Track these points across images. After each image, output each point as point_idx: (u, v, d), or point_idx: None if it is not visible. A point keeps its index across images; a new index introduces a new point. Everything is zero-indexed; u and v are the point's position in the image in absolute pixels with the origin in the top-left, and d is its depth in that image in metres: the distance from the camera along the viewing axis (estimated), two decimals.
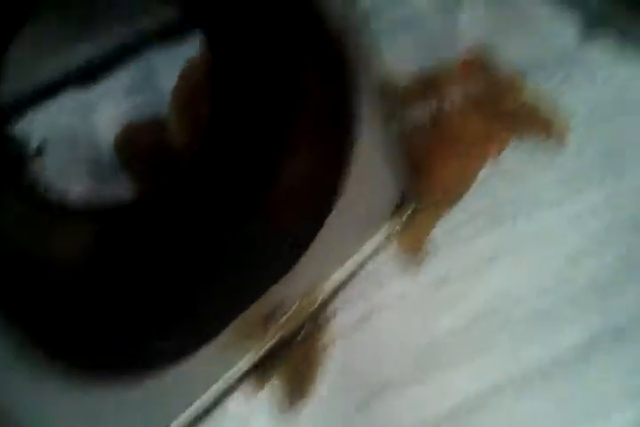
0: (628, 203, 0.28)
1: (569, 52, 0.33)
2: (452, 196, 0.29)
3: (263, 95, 0.27)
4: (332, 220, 0.26)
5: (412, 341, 0.26)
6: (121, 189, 0.36)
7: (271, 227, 0.27)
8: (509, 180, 0.29)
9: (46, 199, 0.29)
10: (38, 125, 0.41)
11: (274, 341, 0.27)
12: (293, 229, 0.27)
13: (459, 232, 0.28)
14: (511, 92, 0.33)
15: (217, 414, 0.26)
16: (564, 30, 0.34)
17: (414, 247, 0.28)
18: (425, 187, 0.30)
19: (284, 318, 0.27)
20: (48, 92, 0.42)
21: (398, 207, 0.29)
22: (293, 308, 0.27)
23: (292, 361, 0.27)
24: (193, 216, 0.29)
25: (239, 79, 0.28)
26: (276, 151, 0.27)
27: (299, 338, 0.27)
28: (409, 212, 0.29)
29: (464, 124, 0.32)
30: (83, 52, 0.42)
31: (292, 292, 0.27)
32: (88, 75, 0.43)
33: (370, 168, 0.26)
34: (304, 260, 0.26)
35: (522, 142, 0.31)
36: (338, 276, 0.28)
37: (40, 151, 0.40)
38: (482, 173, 0.30)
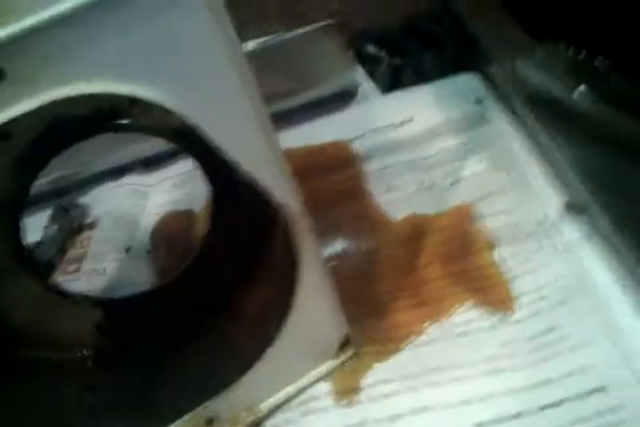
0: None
1: (545, 227, 0.36)
2: (393, 346, 0.33)
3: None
4: (279, 346, 0.31)
5: None
6: (140, 279, 0.42)
7: (227, 341, 0.32)
8: (451, 340, 0.33)
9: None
10: (96, 202, 0.48)
11: None
12: (244, 347, 0.32)
13: (385, 383, 0.32)
14: (482, 253, 0.36)
15: None
16: (549, 203, 0.36)
17: (345, 389, 0.32)
18: (370, 333, 0.34)
19: None
20: (112, 173, 0.50)
21: (341, 348, 0.33)
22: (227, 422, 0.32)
23: None
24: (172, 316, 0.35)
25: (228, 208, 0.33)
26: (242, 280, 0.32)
27: None
28: (348, 354, 0.33)
29: (428, 277, 0.36)
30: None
31: (229, 406, 0.32)
32: (148, 164, 0.50)
33: (315, 307, 0.30)
34: (247, 378, 0.31)
35: (475, 305, 0.34)
36: (274, 399, 0.32)
37: (91, 226, 0.47)
38: (428, 329, 0.33)
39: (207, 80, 0.22)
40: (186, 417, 0.32)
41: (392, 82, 0.51)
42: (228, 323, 0.33)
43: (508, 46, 0.41)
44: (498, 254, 0.35)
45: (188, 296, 0.35)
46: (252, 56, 0.50)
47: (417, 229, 0.39)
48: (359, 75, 0.51)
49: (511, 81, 0.40)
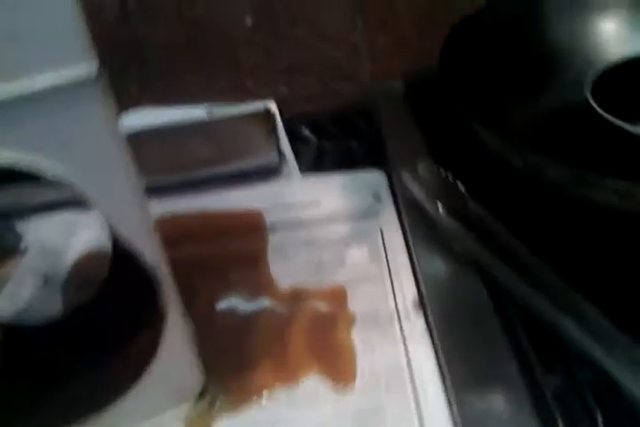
0: None
1: (397, 315, 0.42)
2: (245, 399, 0.39)
3: None
4: (144, 384, 0.36)
5: None
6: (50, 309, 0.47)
7: (104, 372, 0.37)
8: (293, 402, 0.39)
9: None
10: (30, 231, 0.53)
11: None
12: (116, 380, 0.37)
13: None
14: (341, 330, 0.42)
15: None
16: (406, 295, 0.43)
17: None
18: (230, 384, 0.40)
19: None
20: (49, 206, 0.55)
21: (200, 394, 0.39)
22: None
23: None
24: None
25: None
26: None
27: None
28: (205, 401, 0.39)
29: (292, 343, 0.42)
30: None
31: None
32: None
33: (175, 356, 0.36)
34: (115, 407, 0.36)
35: (322, 375, 0.40)
36: None
37: (23, 252, 0.52)
38: (279, 389, 0.39)
39: (93, 158, 0.28)
40: None
41: (314, 164, 0.59)
42: (108, 357, 0.39)
43: (404, 155, 0.49)
44: (354, 333, 0.42)
45: (79, 331, 0.40)
46: (191, 124, 0.58)
47: (296, 299, 0.45)
48: (288, 154, 0.59)
49: (399, 185, 0.47)
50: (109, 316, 0.39)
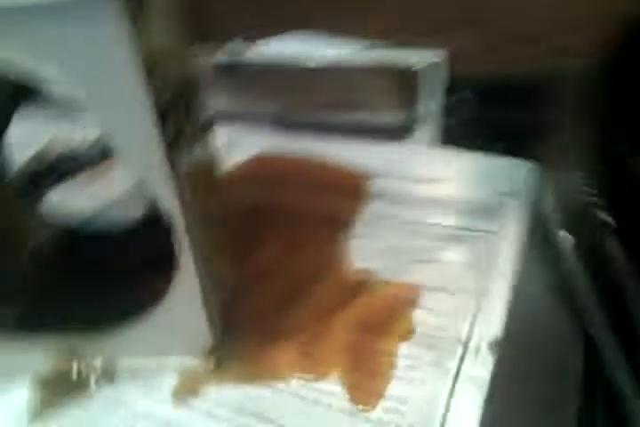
0: None
1: (458, 348, 0.33)
2: (250, 377, 0.33)
3: None
4: (151, 320, 0.32)
5: None
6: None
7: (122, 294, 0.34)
8: (291, 399, 0.32)
9: None
10: None
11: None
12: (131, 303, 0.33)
13: (216, 404, 0.32)
14: (391, 338, 0.34)
15: None
16: (483, 330, 0.34)
17: (183, 388, 0.33)
18: (243, 356, 0.34)
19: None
20: None
21: (208, 353, 0.33)
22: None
23: None
24: None
25: None
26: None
27: None
28: (210, 362, 0.33)
29: (332, 331, 0.35)
30: None
31: (94, 348, 0.33)
32: None
33: (184, 307, 0.31)
34: (122, 332, 0.32)
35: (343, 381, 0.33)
36: (130, 361, 0.34)
37: None
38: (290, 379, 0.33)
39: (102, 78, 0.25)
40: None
41: (459, 136, 0.49)
42: (125, 284, 0.35)
43: (562, 154, 0.38)
44: (403, 348, 0.34)
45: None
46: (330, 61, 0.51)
47: (360, 285, 0.37)
48: (431, 117, 0.49)
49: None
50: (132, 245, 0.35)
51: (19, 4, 0.23)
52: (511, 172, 0.44)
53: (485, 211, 0.41)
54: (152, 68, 0.26)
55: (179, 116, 0.29)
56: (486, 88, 0.51)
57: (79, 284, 0.37)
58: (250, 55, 0.55)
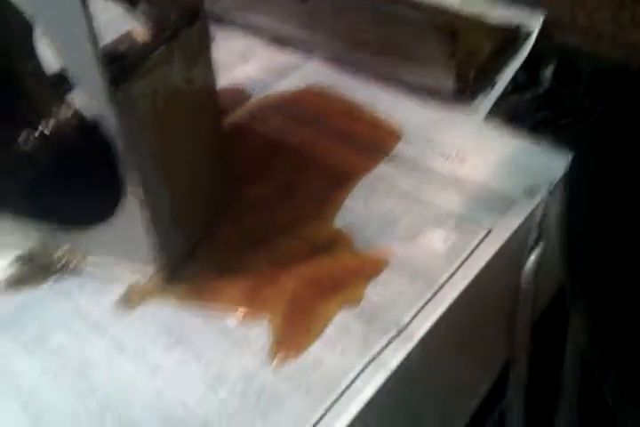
0: None
1: None
2: (196, 297, 0.34)
3: None
4: (110, 226, 0.33)
5: None
6: None
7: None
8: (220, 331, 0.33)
9: None
10: None
11: None
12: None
13: (151, 323, 0.33)
14: (330, 305, 0.34)
15: None
16: None
17: (128, 298, 0.35)
18: (193, 275, 0.35)
19: None
20: None
21: (157, 270, 0.35)
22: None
23: None
24: None
25: None
26: None
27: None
28: (155, 277, 0.35)
29: (284, 282, 0.35)
30: None
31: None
32: None
33: (132, 223, 0.32)
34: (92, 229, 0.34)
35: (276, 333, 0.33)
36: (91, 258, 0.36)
37: None
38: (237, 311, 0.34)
39: None
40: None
41: (521, 113, 0.45)
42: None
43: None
44: (340, 316, 0.33)
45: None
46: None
47: (332, 244, 0.37)
48: (496, 87, 0.46)
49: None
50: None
51: None
52: (550, 166, 0.40)
53: (499, 204, 0.38)
54: None
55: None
56: (569, 65, 0.46)
57: (71, 174, 0.38)
58: None
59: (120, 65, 0.28)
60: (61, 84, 0.42)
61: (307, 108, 0.47)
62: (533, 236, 0.36)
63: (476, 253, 0.35)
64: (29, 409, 0.30)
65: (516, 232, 0.36)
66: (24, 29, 0.37)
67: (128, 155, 0.29)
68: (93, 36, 0.25)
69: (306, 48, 0.50)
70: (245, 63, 0.51)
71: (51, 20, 0.25)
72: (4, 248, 0.37)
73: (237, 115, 0.46)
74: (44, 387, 0.31)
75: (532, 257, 0.35)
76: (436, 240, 0.37)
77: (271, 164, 0.42)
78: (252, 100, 0.48)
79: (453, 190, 0.39)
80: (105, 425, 0.29)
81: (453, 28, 0.41)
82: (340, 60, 0.49)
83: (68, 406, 0.30)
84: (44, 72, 0.41)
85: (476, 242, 0.36)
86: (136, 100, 0.29)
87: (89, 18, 0.24)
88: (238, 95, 0.48)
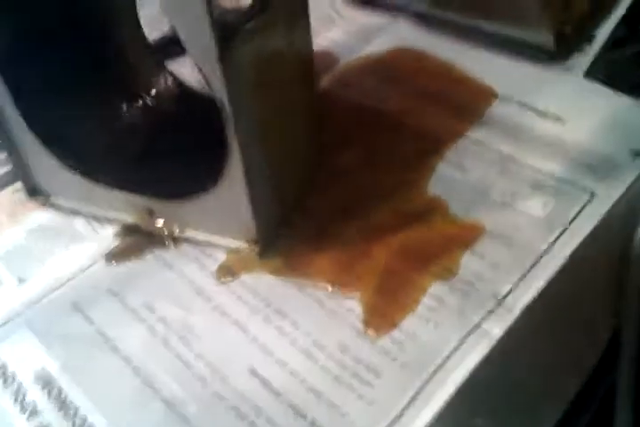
0: None
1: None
2: (291, 273, 0.35)
3: None
4: (211, 196, 0.34)
5: None
6: None
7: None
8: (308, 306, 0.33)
9: None
10: None
11: None
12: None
13: (249, 292, 0.34)
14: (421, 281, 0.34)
15: None
16: None
17: (228, 270, 0.35)
18: (288, 250, 0.35)
19: None
20: None
21: (253, 242, 0.35)
22: None
23: None
24: None
25: None
26: None
27: None
28: (253, 249, 0.35)
29: (378, 252, 0.35)
30: None
31: (169, 211, 0.37)
32: None
33: (233, 195, 0.33)
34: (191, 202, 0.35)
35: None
36: (195, 234, 0.37)
37: None
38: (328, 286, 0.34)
39: None
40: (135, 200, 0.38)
41: (627, 72, 0.42)
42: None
43: None
44: (435, 287, 0.33)
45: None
46: None
47: (426, 212, 0.36)
48: (596, 44, 0.43)
49: None
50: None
51: None
52: None
53: (602, 167, 0.36)
54: None
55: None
56: None
57: (174, 144, 0.39)
58: None
59: (229, 27, 0.28)
60: (161, 52, 0.43)
61: (395, 70, 0.45)
62: None
63: (579, 219, 0.34)
64: (141, 374, 0.32)
65: (622, 197, 0.34)
66: None
67: (234, 120, 0.29)
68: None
69: (391, 7, 0.49)
70: (331, 26, 0.50)
71: None
72: (108, 220, 0.39)
73: (326, 80, 0.45)
74: (152, 353, 0.33)
75: None
76: (535, 206, 0.35)
77: (361, 129, 0.42)
78: (340, 64, 0.47)
79: (552, 153, 0.37)
80: (208, 391, 0.31)
81: None
82: (426, 19, 0.47)
83: (177, 373, 0.32)
84: (146, 41, 0.42)
85: (578, 208, 0.34)
86: (243, 64, 0.29)
87: None
88: (326, 59, 0.47)
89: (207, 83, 0.28)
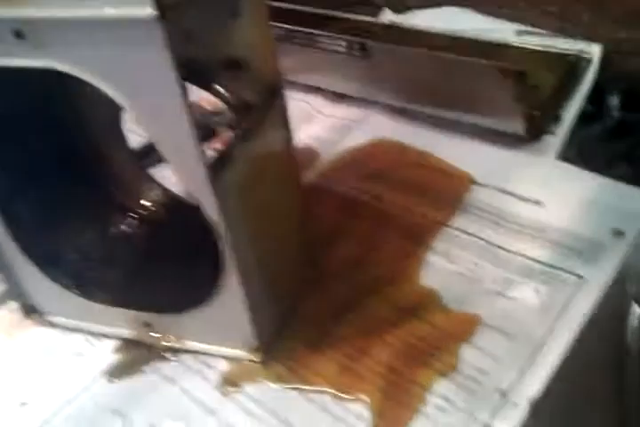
0: None
1: None
2: (289, 378, 0.34)
3: None
4: (209, 309, 0.34)
5: None
6: None
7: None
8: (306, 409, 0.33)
9: None
10: None
11: None
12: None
13: (254, 402, 0.34)
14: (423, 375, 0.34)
15: None
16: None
17: (229, 379, 0.35)
18: (287, 358, 0.35)
19: None
20: None
21: (253, 350, 0.35)
22: None
23: None
24: None
25: None
26: None
27: None
28: (254, 359, 0.35)
29: (376, 354, 0.35)
30: None
31: (164, 325, 0.37)
32: None
33: (230, 306, 0.33)
34: (188, 315, 0.35)
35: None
36: (192, 344, 0.37)
37: None
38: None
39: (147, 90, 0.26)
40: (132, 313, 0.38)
41: (592, 148, 0.44)
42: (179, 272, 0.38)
43: None
44: (439, 385, 0.33)
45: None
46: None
47: (421, 304, 0.37)
48: (563, 124, 0.45)
49: None
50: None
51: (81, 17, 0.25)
52: (634, 203, 0.39)
53: (586, 249, 0.37)
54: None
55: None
56: (636, 92, 0.45)
57: (166, 259, 0.40)
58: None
59: (218, 157, 0.29)
60: (145, 158, 0.45)
61: (375, 162, 0.47)
62: (632, 282, 0.34)
63: (573, 304, 0.34)
64: None
65: (610, 278, 0.35)
66: (113, 115, 0.39)
67: (228, 235, 0.30)
68: (193, 127, 0.26)
69: (367, 102, 0.51)
70: (310, 122, 0.52)
71: (148, 109, 0.27)
72: (106, 335, 0.39)
73: (308, 175, 0.47)
74: None
75: (638, 309, 0.33)
76: (528, 293, 0.36)
77: (347, 223, 0.43)
78: (322, 158, 0.48)
79: (537, 237, 0.39)
80: None
81: (521, 69, 0.40)
82: (402, 110, 0.49)
83: None
84: (132, 153, 0.43)
85: (569, 293, 0.35)
86: (231, 184, 0.30)
87: (187, 104, 0.26)
88: (307, 154, 0.49)
89: (198, 203, 0.29)
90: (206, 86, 0.35)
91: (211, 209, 0.29)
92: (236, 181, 0.31)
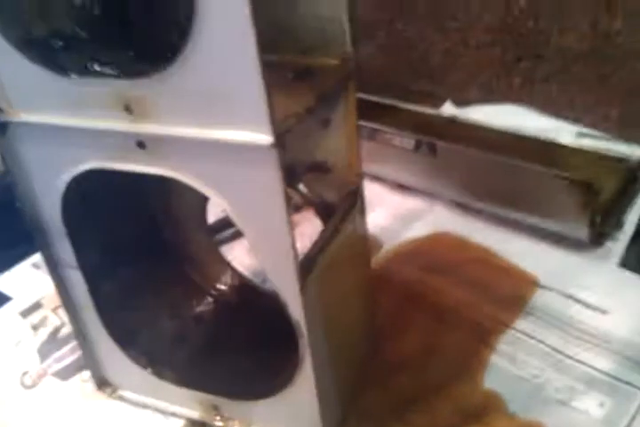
0: None
1: None
2: None
3: None
4: (279, 400, 0.35)
5: None
6: None
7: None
8: None
9: None
10: None
11: None
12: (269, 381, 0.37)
13: None
14: None
15: None
16: None
17: None
18: None
19: None
20: None
21: None
22: None
23: None
24: None
25: None
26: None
27: None
28: None
29: None
30: None
31: (234, 409, 0.38)
32: None
33: (301, 400, 0.34)
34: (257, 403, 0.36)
35: None
36: None
37: None
38: None
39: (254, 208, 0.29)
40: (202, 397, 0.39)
41: None
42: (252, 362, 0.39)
43: None
44: None
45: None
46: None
47: (484, 409, 0.37)
48: (625, 231, 0.46)
49: None
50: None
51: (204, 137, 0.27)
52: None
53: None
54: None
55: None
56: None
57: (236, 344, 0.42)
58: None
59: (306, 262, 0.31)
60: (218, 234, 0.47)
61: (437, 255, 0.48)
62: None
63: (636, 421, 0.35)
64: None
65: None
66: (201, 205, 0.42)
67: (309, 336, 0.31)
68: (293, 245, 0.28)
69: (430, 195, 0.53)
70: (372, 211, 0.54)
71: (250, 214, 0.29)
72: (174, 414, 0.40)
73: (372, 265, 0.48)
74: None
75: None
76: (592, 405, 0.36)
77: (410, 317, 0.44)
78: (384, 249, 0.50)
79: (602, 347, 0.39)
80: None
81: (589, 181, 0.42)
82: (465, 205, 0.51)
83: None
84: (209, 233, 0.46)
85: (634, 409, 0.35)
86: (316, 288, 0.32)
87: (291, 227, 0.28)
88: (371, 244, 0.50)
89: (285, 306, 0.31)
90: (292, 186, 0.38)
91: (296, 309, 0.30)
92: (317, 281, 0.32)
